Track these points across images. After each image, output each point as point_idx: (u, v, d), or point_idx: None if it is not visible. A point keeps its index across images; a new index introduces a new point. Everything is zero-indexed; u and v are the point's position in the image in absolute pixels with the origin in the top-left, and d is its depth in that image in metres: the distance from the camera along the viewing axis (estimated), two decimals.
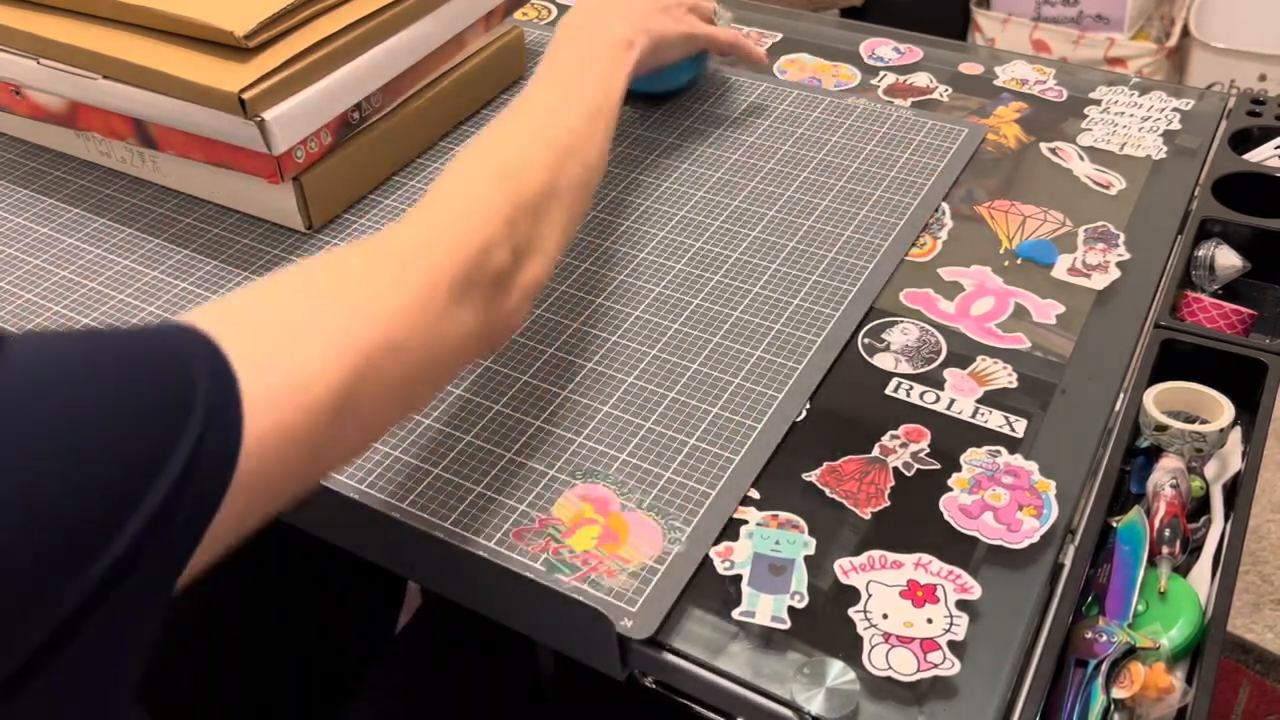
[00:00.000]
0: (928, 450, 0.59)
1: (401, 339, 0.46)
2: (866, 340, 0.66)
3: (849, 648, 0.50)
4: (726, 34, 0.81)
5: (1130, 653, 0.48)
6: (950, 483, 0.57)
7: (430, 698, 0.76)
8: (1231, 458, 0.58)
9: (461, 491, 0.57)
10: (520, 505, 0.56)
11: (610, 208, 0.76)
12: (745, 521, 0.55)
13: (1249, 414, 0.60)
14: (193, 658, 0.78)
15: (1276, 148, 0.78)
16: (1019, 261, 0.72)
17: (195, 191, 0.78)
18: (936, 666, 0.48)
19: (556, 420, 0.61)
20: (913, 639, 0.49)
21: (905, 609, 0.51)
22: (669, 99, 0.88)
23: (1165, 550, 0.52)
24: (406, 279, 0.48)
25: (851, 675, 0.48)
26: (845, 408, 0.62)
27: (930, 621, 0.50)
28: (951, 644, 0.49)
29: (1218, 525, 0.55)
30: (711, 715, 0.52)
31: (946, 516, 0.55)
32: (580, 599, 0.50)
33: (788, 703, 0.48)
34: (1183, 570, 0.53)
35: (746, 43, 0.83)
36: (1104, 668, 0.47)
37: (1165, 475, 0.55)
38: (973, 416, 0.61)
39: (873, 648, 0.49)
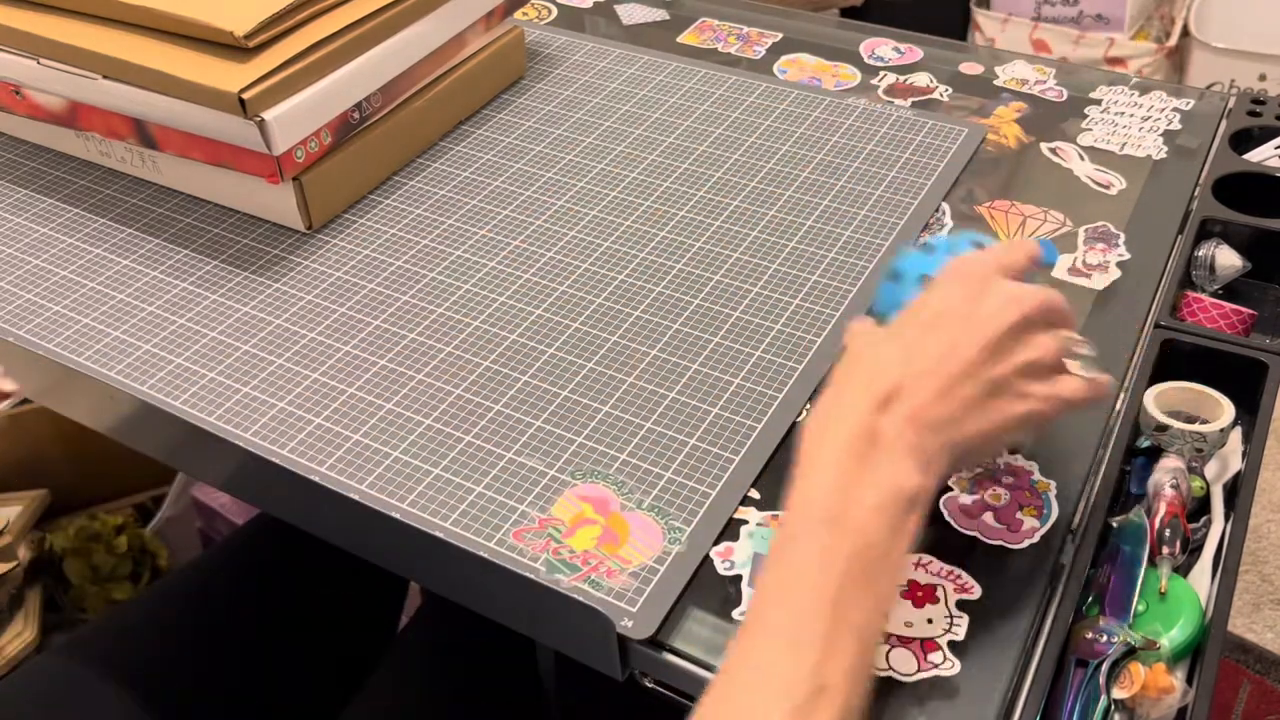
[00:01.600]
0: None
1: None
2: None
3: None
4: (1080, 390, 0.51)
5: (1131, 653, 0.48)
6: (950, 482, 0.57)
7: (431, 698, 0.76)
8: (1232, 458, 0.58)
9: (461, 491, 0.57)
10: (520, 505, 0.56)
11: (609, 208, 0.76)
12: (745, 521, 0.55)
13: (1249, 414, 0.60)
14: (194, 658, 0.78)
15: (1277, 148, 0.78)
16: None
17: (195, 191, 0.78)
18: (937, 667, 0.48)
19: (556, 420, 0.61)
20: (913, 639, 0.49)
21: (905, 609, 0.51)
22: None
23: (1165, 550, 0.52)
24: None
25: None
26: None
27: (930, 621, 0.50)
28: (952, 644, 0.49)
29: (1218, 525, 0.55)
30: None
31: (946, 516, 0.55)
32: (580, 599, 0.50)
33: None
34: (1183, 570, 0.53)
35: (1101, 387, 0.53)
36: (1104, 668, 0.47)
37: (1165, 475, 0.55)
38: None
39: None
